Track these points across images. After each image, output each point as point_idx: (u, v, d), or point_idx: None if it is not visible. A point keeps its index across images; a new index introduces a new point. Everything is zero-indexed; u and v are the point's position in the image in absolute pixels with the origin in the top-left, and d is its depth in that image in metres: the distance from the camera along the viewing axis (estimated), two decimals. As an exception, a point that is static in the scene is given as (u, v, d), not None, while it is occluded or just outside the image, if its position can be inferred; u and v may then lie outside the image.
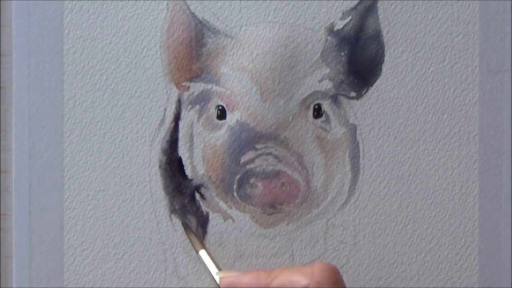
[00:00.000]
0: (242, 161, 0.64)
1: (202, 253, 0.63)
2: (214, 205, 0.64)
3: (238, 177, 0.64)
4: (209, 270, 0.61)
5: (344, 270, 0.65)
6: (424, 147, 0.65)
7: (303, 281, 0.56)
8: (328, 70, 0.64)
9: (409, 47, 0.65)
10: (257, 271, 0.59)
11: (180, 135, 0.64)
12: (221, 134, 0.64)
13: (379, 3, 0.65)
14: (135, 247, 0.64)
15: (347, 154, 0.65)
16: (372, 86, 0.65)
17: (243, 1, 0.64)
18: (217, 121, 0.64)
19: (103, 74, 0.64)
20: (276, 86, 0.63)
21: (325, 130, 0.65)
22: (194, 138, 0.64)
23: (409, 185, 0.65)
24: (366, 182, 0.65)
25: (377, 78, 0.65)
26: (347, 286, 0.60)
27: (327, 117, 0.65)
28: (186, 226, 0.64)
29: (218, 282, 0.60)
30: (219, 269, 0.62)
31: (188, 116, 0.64)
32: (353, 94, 0.65)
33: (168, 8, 0.64)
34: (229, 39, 0.64)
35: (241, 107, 0.64)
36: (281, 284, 0.57)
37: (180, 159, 0.64)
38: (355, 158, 0.65)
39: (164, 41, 0.64)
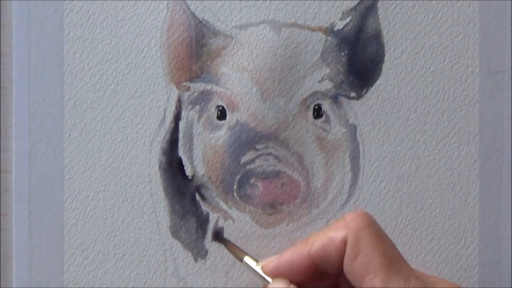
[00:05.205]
0: (242, 161, 0.63)
1: (247, 259, 0.62)
2: (214, 205, 0.64)
3: (238, 177, 0.64)
4: (256, 272, 0.60)
5: (344, 270, 0.65)
6: (424, 147, 0.65)
7: (341, 234, 0.56)
8: (328, 70, 0.64)
9: (409, 47, 0.65)
10: (293, 246, 0.58)
11: (180, 135, 0.64)
12: (221, 134, 0.64)
13: (379, 3, 0.65)
14: (135, 247, 0.64)
15: (347, 154, 0.65)
16: (372, 86, 0.65)
17: (243, 1, 0.64)
18: (217, 121, 0.64)
19: (103, 74, 0.64)
20: (276, 86, 0.63)
21: (325, 130, 0.65)
22: (194, 138, 0.64)
23: (409, 185, 0.65)
24: (366, 182, 0.65)
25: (377, 78, 0.65)
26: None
27: (327, 117, 0.65)
28: (225, 241, 0.64)
29: (267, 278, 0.59)
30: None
31: (188, 116, 0.64)
32: (353, 94, 0.65)
33: (168, 8, 0.64)
34: (229, 39, 0.64)
35: (241, 108, 0.64)
36: (321, 246, 0.56)
37: (180, 160, 0.64)
38: (355, 158, 0.65)
39: (164, 41, 0.64)
